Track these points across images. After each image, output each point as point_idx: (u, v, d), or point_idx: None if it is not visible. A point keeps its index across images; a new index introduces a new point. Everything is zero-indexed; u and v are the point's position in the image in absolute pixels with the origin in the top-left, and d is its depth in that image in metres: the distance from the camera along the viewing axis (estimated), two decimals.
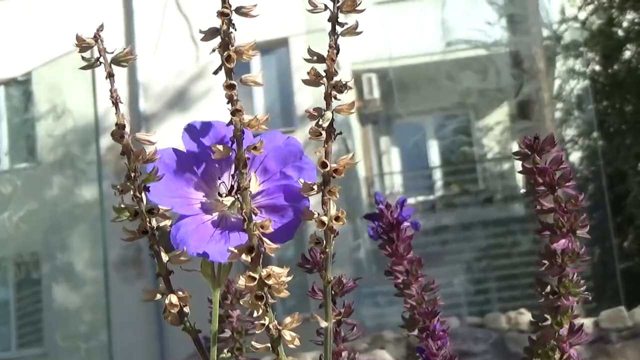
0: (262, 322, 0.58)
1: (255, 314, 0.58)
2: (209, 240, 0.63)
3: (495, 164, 11.80)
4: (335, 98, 0.60)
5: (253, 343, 0.61)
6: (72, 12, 10.14)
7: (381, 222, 0.82)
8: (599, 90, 12.34)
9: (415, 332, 0.81)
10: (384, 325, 7.33)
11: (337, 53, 0.60)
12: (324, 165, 0.60)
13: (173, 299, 0.62)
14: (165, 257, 0.62)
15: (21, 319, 10.33)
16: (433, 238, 9.65)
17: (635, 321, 5.67)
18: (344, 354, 0.79)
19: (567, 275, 0.74)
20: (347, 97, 0.62)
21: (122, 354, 9.67)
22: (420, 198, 10.94)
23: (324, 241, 0.61)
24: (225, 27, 0.58)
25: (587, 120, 11.63)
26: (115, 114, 0.61)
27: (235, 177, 0.62)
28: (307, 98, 9.22)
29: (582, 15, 12.31)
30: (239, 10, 0.59)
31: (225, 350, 0.91)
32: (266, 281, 0.58)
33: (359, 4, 0.60)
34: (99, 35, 0.61)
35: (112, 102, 0.61)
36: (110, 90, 0.61)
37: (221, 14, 0.58)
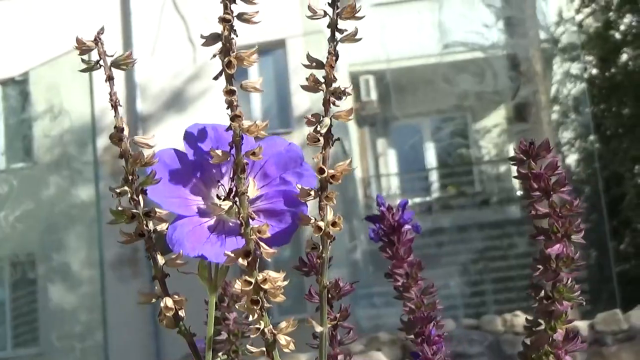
0: (258, 326, 0.58)
1: (250, 318, 0.58)
2: (205, 242, 0.63)
3: (491, 167, 11.80)
4: (334, 104, 0.60)
5: (248, 346, 0.60)
6: (70, 12, 10.13)
7: (382, 224, 0.82)
8: (596, 93, 12.36)
9: (411, 336, 0.81)
10: (381, 327, 7.33)
11: (336, 60, 0.59)
12: (321, 171, 0.60)
13: (168, 302, 0.62)
14: (161, 260, 0.62)
15: (17, 318, 10.32)
16: (429, 240, 9.65)
17: (631, 324, 5.67)
18: (340, 357, 0.79)
19: (562, 280, 0.74)
20: (345, 101, 0.62)
21: (118, 353, 9.65)
22: (417, 200, 10.95)
23: (321, 246, 0.61)
24: (226, 33, 0.58)
25: (584, 123, 11.64)
26: (114, 117, 0.61)
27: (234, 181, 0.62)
28: (304, 100, 9.21)
29: (580, 18, 12.32)
30: (240, 17, 0.58)
31: (220, 354, 0.91)
32: (262, 286, 0.57)
33: (359, 11, 0.59)
34: (99, 38, 0.61)
35: (112, 105, 0.61)
36: (110, 94, 0.61)
37: (223, 20, 0.57)
